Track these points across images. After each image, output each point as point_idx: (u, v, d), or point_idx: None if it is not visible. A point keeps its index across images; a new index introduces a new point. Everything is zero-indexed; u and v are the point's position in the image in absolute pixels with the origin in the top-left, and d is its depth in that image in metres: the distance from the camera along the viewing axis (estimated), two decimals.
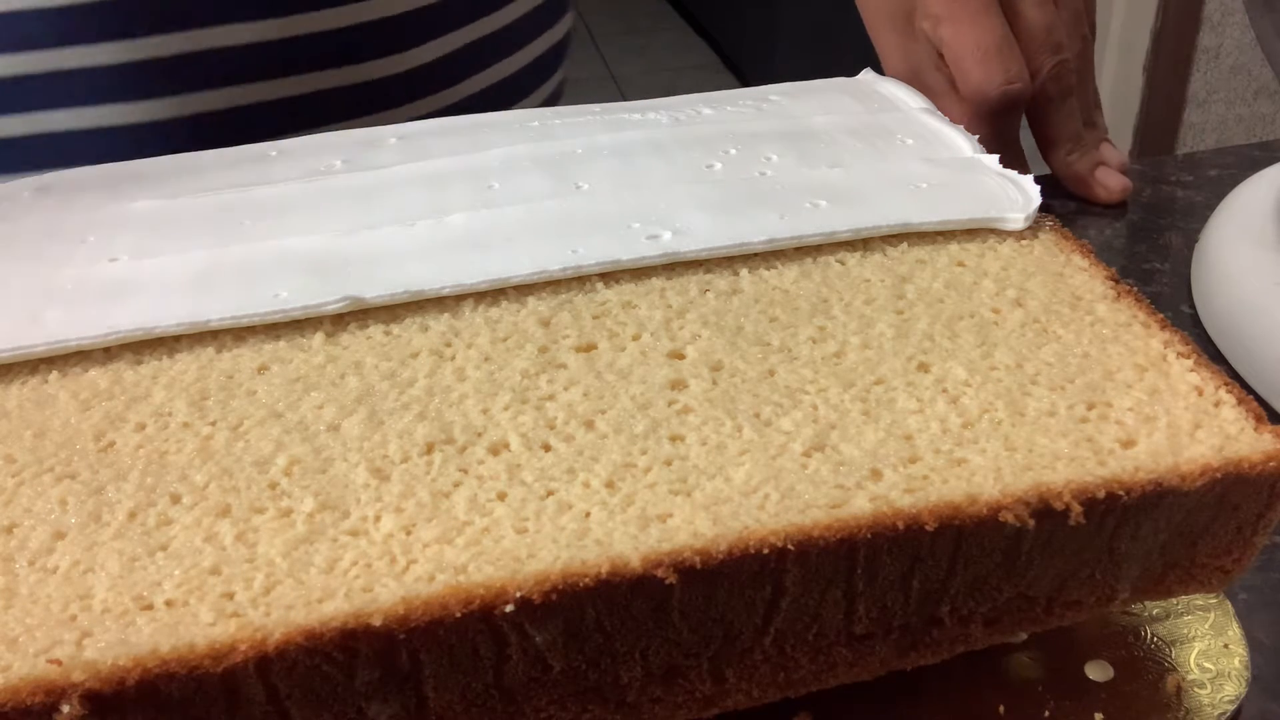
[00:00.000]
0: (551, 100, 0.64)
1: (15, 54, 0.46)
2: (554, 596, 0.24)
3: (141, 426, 0.29)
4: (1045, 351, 0.31)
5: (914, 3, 0.53)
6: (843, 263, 0.35)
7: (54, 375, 0.30)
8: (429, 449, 0.28)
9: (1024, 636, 0.31)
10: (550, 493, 0.27)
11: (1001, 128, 0.52)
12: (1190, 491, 0.27)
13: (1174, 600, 0.33)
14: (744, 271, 0.34)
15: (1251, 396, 0.30)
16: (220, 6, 0.48)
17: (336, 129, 0.43)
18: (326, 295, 0.32)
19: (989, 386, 0.30)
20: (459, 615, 0.24)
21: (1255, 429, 0.29)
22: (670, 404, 0.29)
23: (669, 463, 0.28)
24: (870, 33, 0.58)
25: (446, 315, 0.32)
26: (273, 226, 0.36)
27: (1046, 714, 0.30)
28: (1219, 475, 0.27)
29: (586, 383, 0.30)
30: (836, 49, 2.15)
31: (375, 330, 0.32)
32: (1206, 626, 0.33)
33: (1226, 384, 0.30)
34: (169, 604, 0.24)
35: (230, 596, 0.24)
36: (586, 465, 0.27)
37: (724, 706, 0.28)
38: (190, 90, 0.49)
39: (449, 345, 0.31)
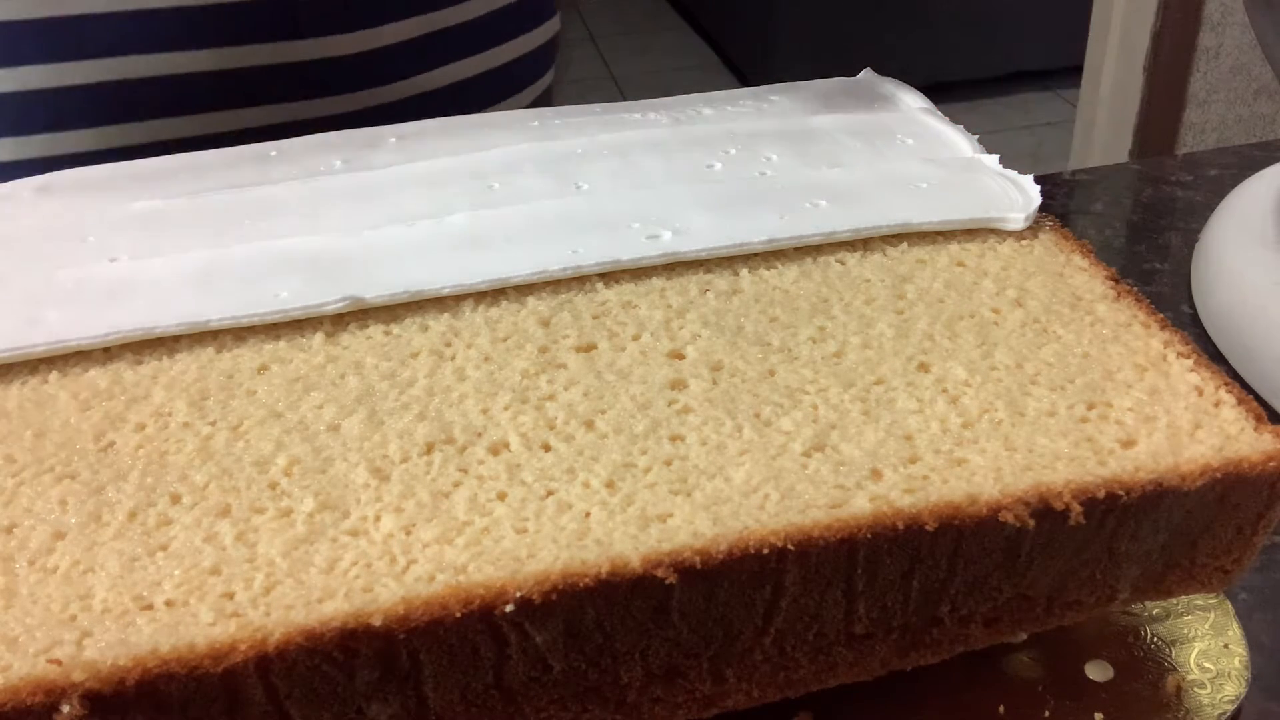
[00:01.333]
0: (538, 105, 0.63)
1: None
2: (554, 596, 0.24)
3: (141, 426, 0.29)
4: (1045, 351, 0.31)
5: None
6: (843, 263, 0.35)
7: (54, 375, 0.30)
8: (429, 449, 0.28)
9: (1024, 636, 0.31)
10: (550, 493, 0.27)
11: None
12: (1190, 491, 0.27)
13: (1174, 600, 0.33)
14: (744, 271, 0.34)
15: (1251, 396, 0.30)
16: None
17: (277, 108, 0.40)
18: (326, 295, 0.32)
19: (989, 386, 0.30)
20: (459, 615, 0.24)
21: (1255, 429, 0.29)
22: (670, 404, 0.29)
23: (669, 463, 0.28)
24: None
25: (446, 315, 0.32)
26: (273, 226, 0.36)
27: (1046, 714, 0.30)
28: (1219, 475, 0.27)
29: (586, 383, 0.30)
30: (836, 49, 2.15)
31: (375, 330, 0.32)
32: (1206, 626, 0.33)
33: (1226, 384, 0.30)
34: (169, 604, 0.24)
35: (230, 596, 0.24)
36: (586, 465, 0.27)
37: (724, 706, 0.28)
38: (97, 124, 0.46)
39: (449, 345, 0.31)
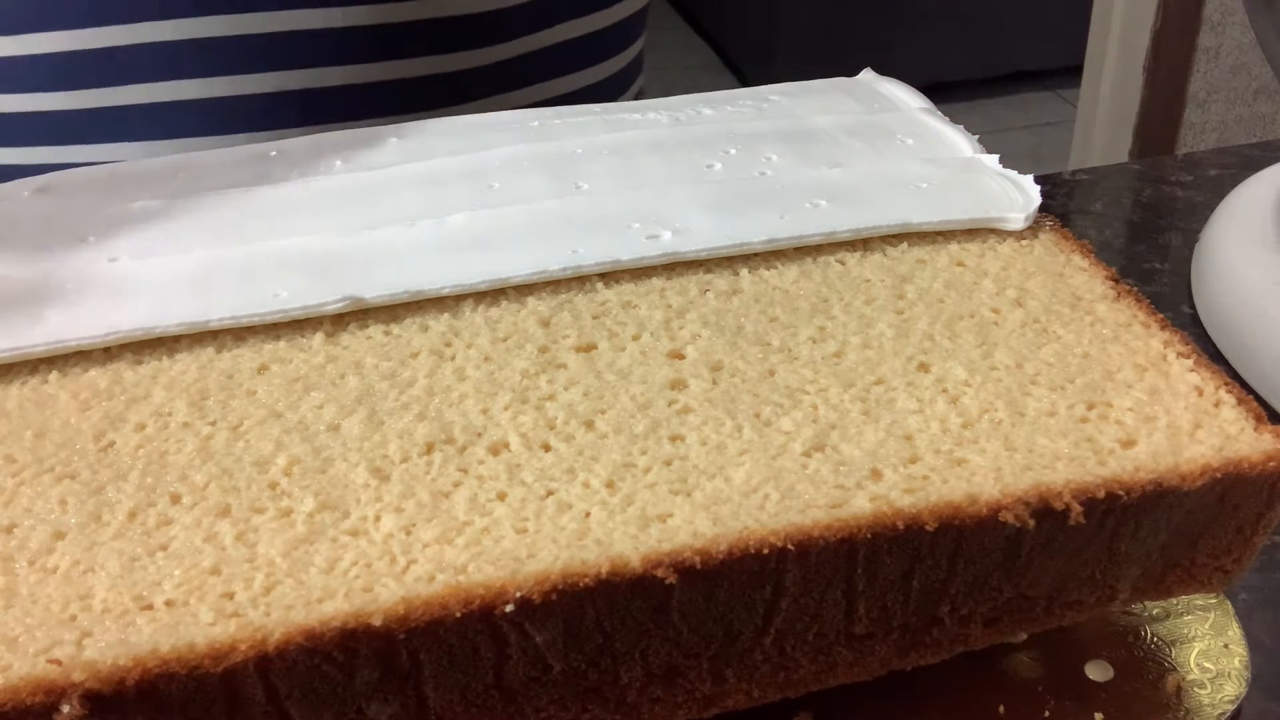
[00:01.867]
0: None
1: (110, 26, 0.49)
2: (554, 596, 0.24)
3: (141, 426, 0.29)
4: (1045, 351, 0.31)
5: None
6: (843, 263, 0.35)
7: (54, 375, 0.30)
8: (429, 449, 0.28)
9: (1024, 636, 0.31)
10: (550, 493, 0.27)
11: None
12: (1190, 491, 0.27)
13: (1174, 600, 0.33)
14: (744, 271, 0.34)
15: (1251, 396, 0.30)
16: None
17: (422, 116, 0.44)
18: (326, 295, 0.32)
19: (989, 386, 0.30)
20: (459, 615, 0.24)
21: (1255, 429, 0.29)
22: (670, 404, 0.29)
23: (669, 463, 0.28)
24: None
25: (446, 315, 0.32)
26: (273, 226, 0.36)
27: (1046, 714, 0.30)
28: (1219, 475, 0.27)
29: (586, 383, 0.30)
30: (836, 49, 2.15)
31: (375, 330, 0.32)
32: (1206, 626, 0.33)
33: (1226, 384, 0.30)
34: (169, 604, 0.24)
35: (230, 596, 0.24)
36: (586, 465, 0.27)
37: (724, 706, 0.28)
38: (269, 69, 0.51)
39: (449, 345, 0.31)
